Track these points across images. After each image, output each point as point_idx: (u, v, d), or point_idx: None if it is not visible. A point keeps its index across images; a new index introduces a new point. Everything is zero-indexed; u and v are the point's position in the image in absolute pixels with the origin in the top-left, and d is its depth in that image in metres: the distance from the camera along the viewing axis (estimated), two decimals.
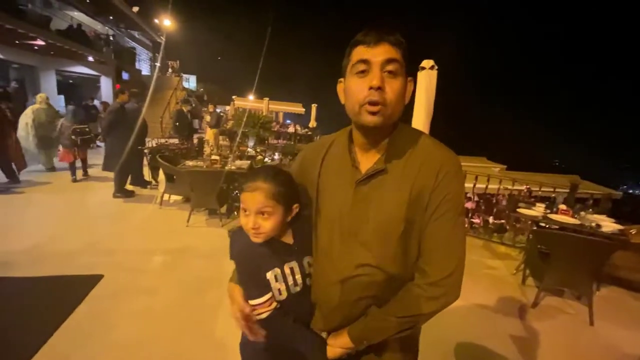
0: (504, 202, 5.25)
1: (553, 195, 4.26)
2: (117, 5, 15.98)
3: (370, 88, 0.75)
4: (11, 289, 2.59)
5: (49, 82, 14.04)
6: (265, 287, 0.88)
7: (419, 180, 0.78)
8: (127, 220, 4.35)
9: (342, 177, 0.86)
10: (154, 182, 5.90)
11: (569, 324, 2.69)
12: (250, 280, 0.90)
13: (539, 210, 3.44)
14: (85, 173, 6.31)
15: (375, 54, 0.75)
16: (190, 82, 24.79)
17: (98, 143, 9.29)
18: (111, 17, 18.01)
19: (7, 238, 3.46)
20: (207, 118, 9.53)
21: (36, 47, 11.70)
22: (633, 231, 3.14)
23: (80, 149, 5.91)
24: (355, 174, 0.85)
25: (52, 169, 6.53)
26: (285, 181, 0.88)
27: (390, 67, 0.76)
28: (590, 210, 3.51)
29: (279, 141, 10.83)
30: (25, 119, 5.91)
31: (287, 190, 0.88)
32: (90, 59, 14.26)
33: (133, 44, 21.27)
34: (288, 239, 0.93)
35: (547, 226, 3.34)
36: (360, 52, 0.77)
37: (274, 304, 0.89)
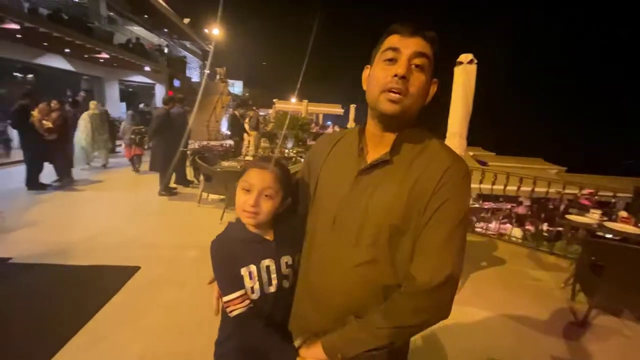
0: (562, 207, 4.77)
1: (613, 200, 3.76)
2: (171, 18, 17.32)
3: (395, 75, 0.74)
4: (65, 274, 2.91)
5: (113, 91, 15.62)
6: (239, 283, 0.87)
7: (423, 178, 0.75)
8: (168, 217, 4.67)
9: (346, 167, 0.84)
10: (196, 181, 6.27)
11: (625, 348, 2.34)
12: (224, 275, 0.90)
13: (593, 217, 3.05)
14: (137, 170, 7.18)
15: (407, 45, 0.75)
16: (236, 87, 26.05)
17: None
18: (165, 30, 19.56)
19: (66, 230, 3.89)
20: (247, 121, 9.90)
21: (101, 60, 13.09)
22: None
23: (138, 147, 7.15)
24: (359, 164, 0.82)
25: (105, 165, 7.56)
26: (289, 173, 0.93)
27: (418, 61, 0.75)
28: None
29: None
30: (84, 123, 6.92)
31: (289, 181, 0.92)
32: (147, 68, 15.60)
33: (184, 53, 22.88)
34: (269, 235, 0.92)
35: (603, 235, 2.95)
36: (393, 40, 0.77)
37: (247, 302, 0.87)
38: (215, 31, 20.15)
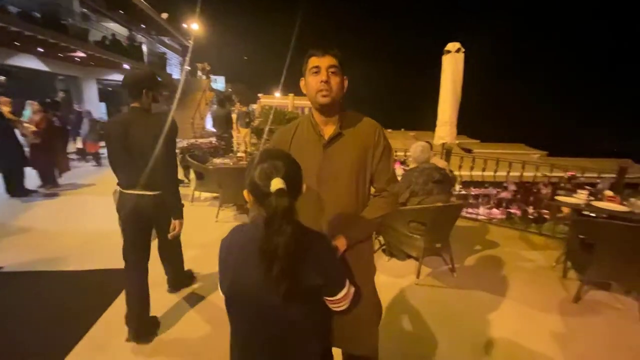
0: (545, 191, 4.92)
1: (598, 181, 3.91)
2: (148, 12, 16.75)
3: (321, 82, 1.21)
4: (61, 281, 2.84)
5: (91, 91, 15.07)
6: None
7: (365, 140, 1.28)
8: None
9: (312, 145, 1.29)
10: (186, 180, 6.16)
11: (617, 320, 2.47)
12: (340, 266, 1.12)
13: (580, 197, 3.18)
14: (99, 164, 7.83)
15: (323, 61, 1.22)
16: (219, 82, 25.51)
17: None
18: (143, 26, 18.91)
19: (57, 236, 3.77)
20: (236, 117, 9.68)
21: (77, 59, 12.58)
22: None
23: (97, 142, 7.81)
24: (321, 140, 1.28)
25: None
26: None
27: (332, 70, 1.22)
28: None
29: None
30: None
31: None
32: (126, 66, 15.09)
33: (163, 49, 22.22)
34: None
35: (590, 214, 3.08)
36: (313, 60, 1.24)
37: None
38: (195, 26, 19.64)
